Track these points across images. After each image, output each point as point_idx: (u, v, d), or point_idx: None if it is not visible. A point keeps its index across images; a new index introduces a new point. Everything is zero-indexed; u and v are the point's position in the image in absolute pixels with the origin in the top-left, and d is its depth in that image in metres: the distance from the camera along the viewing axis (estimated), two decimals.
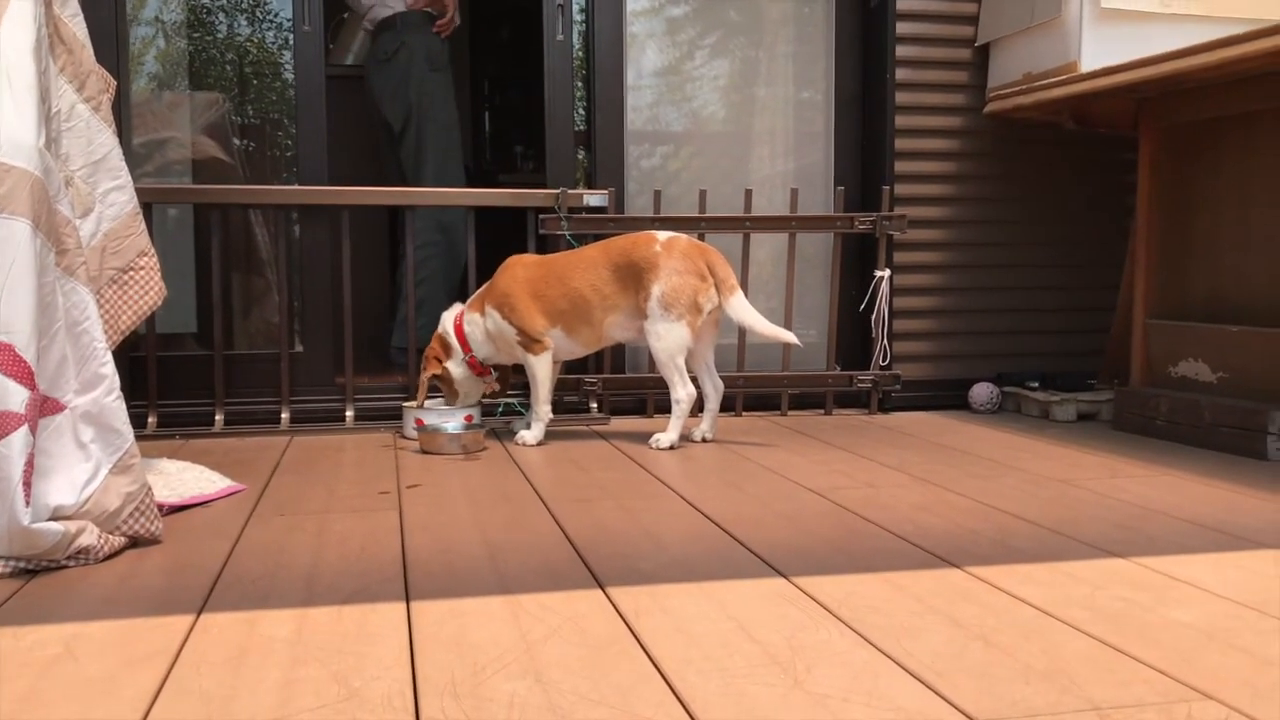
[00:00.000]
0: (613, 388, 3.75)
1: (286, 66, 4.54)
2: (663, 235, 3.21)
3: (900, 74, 3.86)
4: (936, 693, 1.33)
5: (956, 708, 1.29)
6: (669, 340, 3.13)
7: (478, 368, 3.36)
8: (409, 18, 4.38)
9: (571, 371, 3.68)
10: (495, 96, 7.95)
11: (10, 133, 1.90)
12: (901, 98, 3.86)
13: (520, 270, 3.30)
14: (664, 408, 3.70)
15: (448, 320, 3.38)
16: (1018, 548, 2.03)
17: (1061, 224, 4.03)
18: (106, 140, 2.36)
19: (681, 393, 3.16)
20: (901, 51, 3.86)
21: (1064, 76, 3.41)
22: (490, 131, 7.95)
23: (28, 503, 1.81)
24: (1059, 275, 4.03)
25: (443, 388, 3.42)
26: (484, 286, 3.37)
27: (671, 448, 3.13)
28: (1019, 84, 3.65)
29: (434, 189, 4.26)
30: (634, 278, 3.16)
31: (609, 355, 3.72)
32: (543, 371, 3.26)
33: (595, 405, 3.73)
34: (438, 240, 4.27)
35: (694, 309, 3.11)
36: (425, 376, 3.37)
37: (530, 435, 3.25)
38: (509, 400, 3.65)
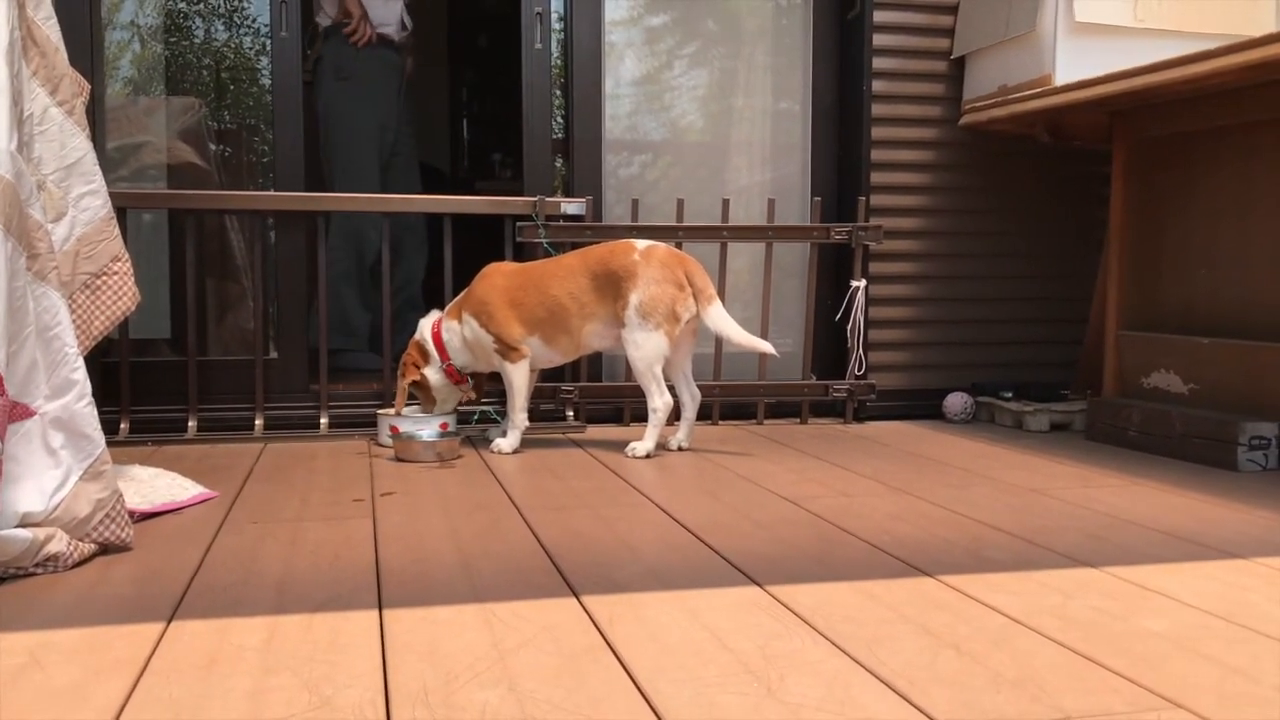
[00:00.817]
0: (589, 396, 3.74)
1: (263, 72, 4.53)
2: (641, 244, 3.21)
3: (877, 85, 3.88)
4: (909, 701, 1.34)
5: (929, 716, 1.29)
6: (646, 349, 3.12)
7: (455, 376, 3.36)
8: (328, 30, 4.52)
9: (548, 379, 3.67)
10: (473, 104, 7.94)
11: None
12: (878, 109, 3.89)
13: (498, 278, 3.29)
14: (641, 416, 3.71)
15: (426, 327, 3.37)
16: (990, 557, 2.04)
17: (1036, 236, 4.06)
18: (80, 144, 2.35)
19: (658, 401, 3.16)
20: (878, 63, 3.88)
21: (1038, 89, 3.44)
22: (468, 139, 7.94)
23: None
24: (1033, 286, 4.06)
25: (419, 395, 3.41)
26: (462, 294, 3.36)
27: (647, 456, 3.13)
28: (994, 96, 3.68)
29: (413, 195, 4.28)
30: (612, 286, 3.15)
31: (586, 363, 3.72)
32: (519, 380, 3.25)
33: (572, 413, 3.73)
34: (336, 244, 4.36)
35: (672, 318, 3.11)
36: (404, 383, 3.36)
37: (506, 443, 3.24)
38: (484, 408, 3.64)
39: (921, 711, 1.31)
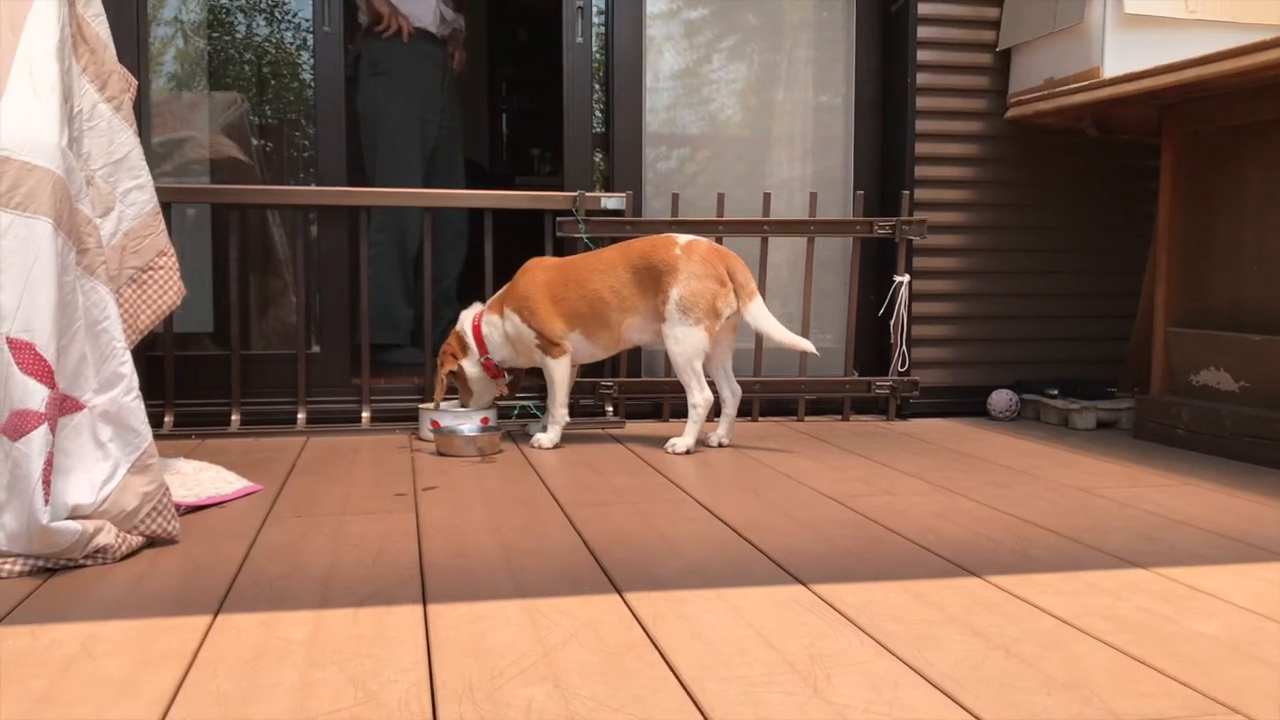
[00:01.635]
0: (628, 391, 3.74)
1: (305, 67, 4.56)
2: (683, 238, 3.20)
3: (921, 78, 3.84)
4: (957, 703, 1.32)
5: (977, 718, 1.28)
6: (687, 344, 3.12)
7: (492, 370, 3.36)
8: (363, 29, 4.57)
9: (587, 375, 3.67)
10: (512, 99, 7.96)
11: (33, 132, 1.90)
12: (922, 102, 3.85)
13: (540, 273, 3.29)
14: (680, 412, 3.69)
15: (466, 320, 3.38)
16: (1038, 557, 2.01)
17: (1082, 230, 4.00)
18: (127, 140, 2.37)
19: (698, 397, 3.15)
20: (922, 56, 3.84)
21: (1086, 82, 3.39)
22: (507, 134, 7.96)
23: (47, 501, 1.81)
24: (1079, 282, 4.01)
25: (457, 385, 3.42)
26: (503, 289, 3.37)
27: (688, 452, 3.12)
28: (1040, 89, 3.63)
29: (453, 190, 4.31)
30: (653, 280, 3.14)
31: (625, 358, 3.71)
32: (561, 375, 3.25)
33: (611, 409, 3.73)
34: (380, 240, 4.40)
35: (712, 314, 3.10)
36: (442, 373, 3.37)
37: (546, 438, 3.25)
38: (524, 403, 3.65)
39: (970, 713, 1.29)
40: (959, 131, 3.90)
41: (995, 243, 3.95)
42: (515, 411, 3.65)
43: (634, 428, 3.63)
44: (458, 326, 3.39)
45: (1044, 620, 1.64)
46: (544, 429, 3.32)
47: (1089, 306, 4.02)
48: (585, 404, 3.71)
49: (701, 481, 2.73)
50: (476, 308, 3.42)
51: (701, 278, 3.10)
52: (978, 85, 3.90)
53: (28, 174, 1.87)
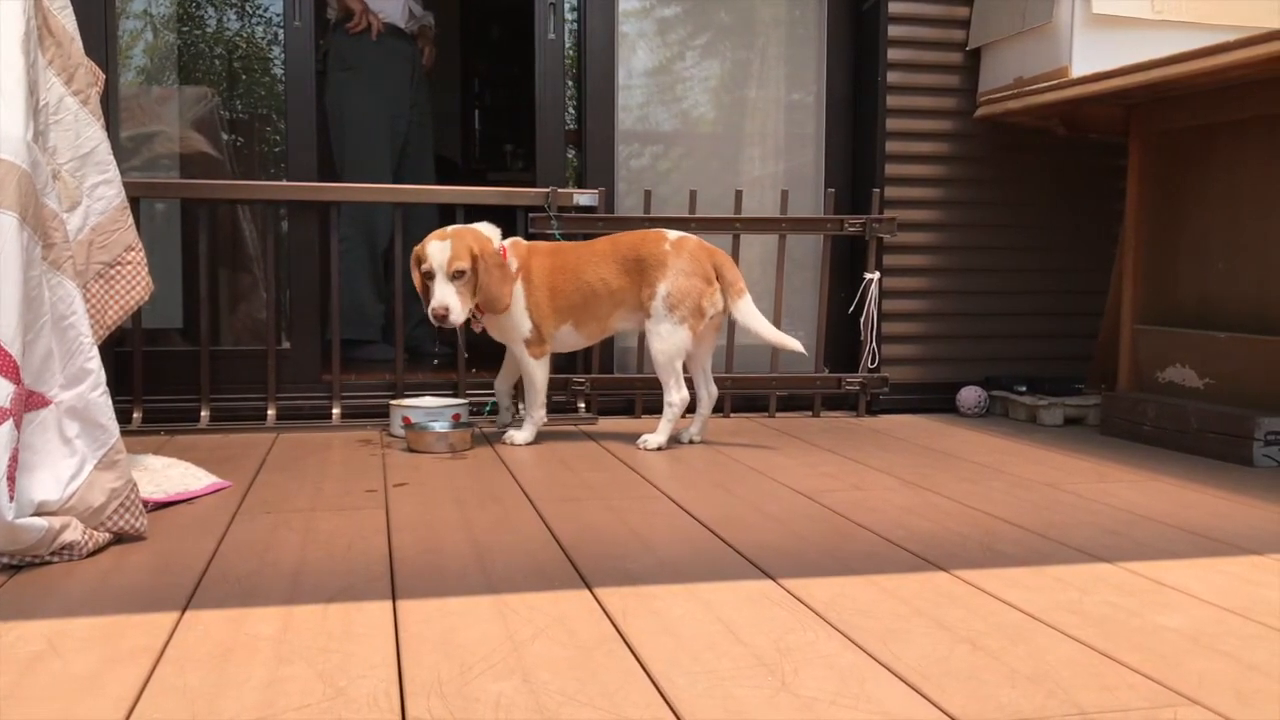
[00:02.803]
0: (601, 388, 3.74)
1: (275, 62, 4.53)
2: (672, 234, 3.20)
3: (892, 77, 3.86)
4: (924, 696, 1.33)
5: (943, 711, 1.29)
6: (670, 342, 3.12)
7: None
8: (333, 24, 4.55)
9: (560, 371, 3.67)
10: (485, 95, 7.94)
11: None
12: (893, 101, 3.87)
13: (542, 258, 3.23)
14: (653, 409, 3.70)
15: (496, 235, 3.18)
16: (1005, 552, 2.03)
17: (1051, 229, 4.04)
18: (95, 134, 2.34)
19: (675, 396, 3.15)
20: (893, 55, 3.86)
21: (1055, 81, 3.42)
22: (480, 130, 7.94)
23: (12, 498, 1.79)
24: (1048, 279, 4.04)
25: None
26: (521, 249, 3.23)
27: (659, 449, 3.12)
28: (1010, 88, 3.66)
29: (425, 186, 4.29)
30: (641, 274, 3.14)
31: (598, 355, 3.72)
32: (542, 376, 3.25)
33: (584, 405, 3.73)
34: (350, 235, 4.35)
35: (698, 313, 3.10)
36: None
37: (520, 435, 3.23)
38: (494, 399, 3.64)
39: (937, 706, 1.30)
40: (929, 130, 3.93)
41: (965, 240, 3.98)
42: (487, 408, 3.65)
43: (607, 424, 3.63)
44: (486, 232, 3.15)
45: (1010, 614, 1.66)
46: (519, 425, 3.30)
47: (1057, 304, 4.06)
48: (558, 400, 3.71)
49: (674, 477, 2.74)
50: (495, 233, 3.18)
51: (689, 275, 3.10)
52: (948, 84, 3.93)
53: None
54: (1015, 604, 1.70)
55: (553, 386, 3.63)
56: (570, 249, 3.30)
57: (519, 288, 3.16)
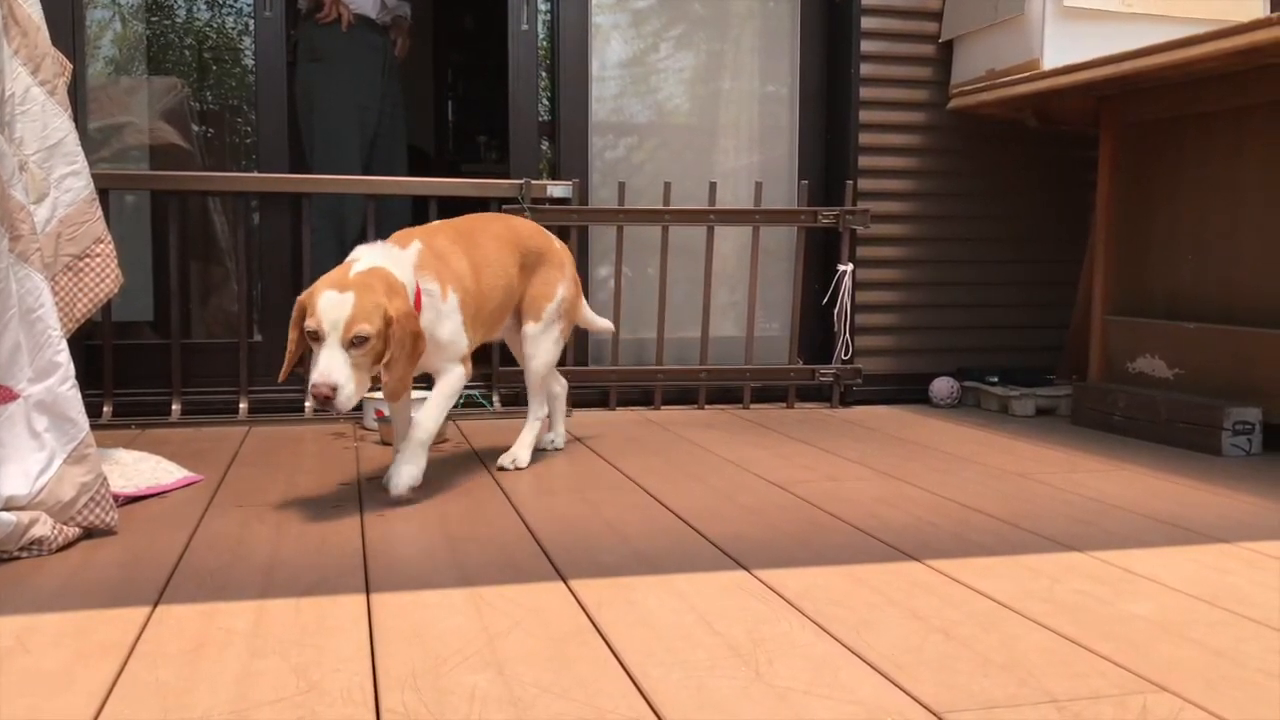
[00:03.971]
0: (576, 380, 3.73)
1: (246, 53, 4.50)
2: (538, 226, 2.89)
3: (865, 69, 3.87)
4: (897, 685, 1.34)
5: (916, 700, 1.30)
6: (555, 352, 2.84)
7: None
8: (303, 14, 4.46)
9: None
10: (459, 85, 7.90)
11: None
12: (866, 93, 3.88)
13: (454, 251, 2.52)
14: (628, 400, 3.72)
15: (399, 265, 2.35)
16: (977, 541, 2.04)
17: (1023, 220, 4.06)
18: (62, 125, 2.32)
19: (542, 412, 2.89)
20: (866, 46, 3.87)
21: (1026, 74, 3.43)
22: (453, 121, 7.90)
23: None
24: (1020, 271, 4.07)
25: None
26: (428, 256, 2.45)
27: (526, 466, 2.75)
28: (982, 80, 3.68)
29: (398, 178, 4.26)
30: (534, 271, 2.76)
31: (573, 347, 3.71)
32: (458, 388, 2.54)
33: None
34: (320, 227, 4.30)
35: (570, 318, 2.89)
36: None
37: (406, 478, 2.36)
38: (470, 392, 3.63)
39: (909, 695, 1.31)
40: (902, 122, 3.94)
41: (937, 232, 3.99)
42: (460, 401, 3.63)
43: (580, 416, 3.62)
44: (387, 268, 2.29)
45: (982, 603, 1.67)
46: (403, 462, 2.39)
47: (1029, 295, 4.08)
48: None
49: (646, 469, 2.74)
50: (396, 251, 2.38)
51: (575, 280, 2.89)
52: (920, 76, 3.94)
53: None
54: (987, 593, 1.71)
55: (520, 378, 3.62)
56: (472, 232, 2.62)
57: (453, 298, 2.43)
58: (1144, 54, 3.00)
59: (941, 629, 1.55)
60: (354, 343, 2.10)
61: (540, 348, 2.78)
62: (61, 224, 2.34)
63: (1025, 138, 3.96)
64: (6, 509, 1.85)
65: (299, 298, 2.20)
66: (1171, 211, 3.36)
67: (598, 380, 3.77)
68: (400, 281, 2.25)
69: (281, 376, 2.26)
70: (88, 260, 2.39)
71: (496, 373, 3.70)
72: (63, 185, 2.33)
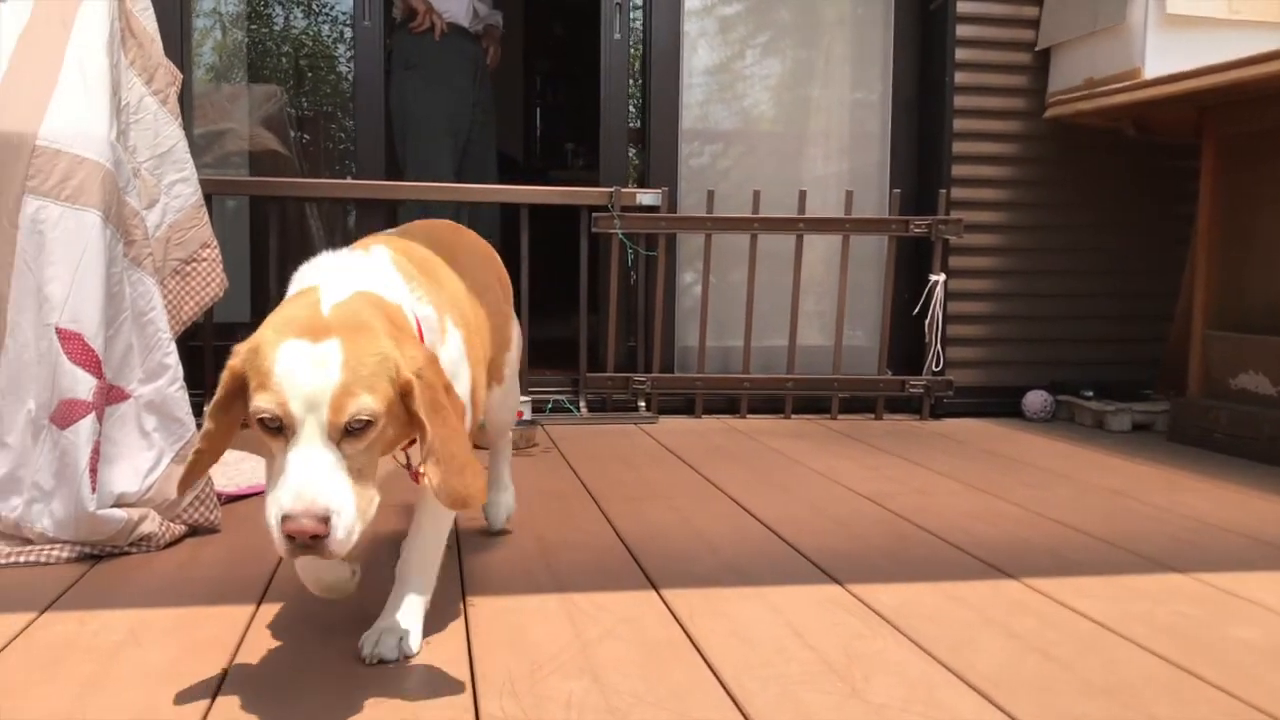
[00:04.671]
0: (662, 387, 3.74)
1: (342, 60, 4.59)
2: None
3: (959, 77, 3.82)
4: (995, 704, 1.32)
5: None
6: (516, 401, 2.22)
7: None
8: (397, 24, 4.51)
9: (621, 370, 3.68)
10: (546, 92, 7.98)
11: (84, 126, 1.93)
12: (960, 101, 3.83)
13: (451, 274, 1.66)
14: (714, 409, 3.70)
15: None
16: (1075, 560, 2.01)
17: (1120, 231, 3.97)
18: (173, 133, 2.39)
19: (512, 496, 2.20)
20: (961, 54, 3.82)
21: (1127, 83, 3.36)
22: (540, 127, 7.98)
23: (94, 489, 1.84)
24: (1116, 283, 3.98)
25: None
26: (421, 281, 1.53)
27: None
28: (1080, 89, 3.61)
29: (491, 185, 4.31)
30: (502, 303, 1.96)
31: (659, 352, 3.72)
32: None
33: (644, 404, 3.73)
34: None
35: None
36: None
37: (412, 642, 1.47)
38: (557, 396, 3.66)
39: (1009, 715, 1.29)
40: (997, 131, 3.88)
41: (1032, 242, 3.93)
42: (549, 406, 3.67)
43: (667, 423, 3.63)
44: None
45: (1082, 624, 1.64)
46: (399, 628, 1.49)
47: (1126, 307, 3.99)
48: (618, 399, 3.72)
49: (734, 478, 2.73)
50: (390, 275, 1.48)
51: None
52: (1016, 84, 3.88)
53: (78, 166, 1.90)
54: (1087, 613, 1.68)
55: (613, 385, 3.65)
56: (443, 241, 1.75)
57: (455, 335, 1.52)
58: (1249, 63, 2.92)
59: (1040, 649, 1.52)
60: (350, 430, 1.23)
61: (509, 398, 2.05)
62: (171, 229, 2.41)
63: (1123, 147, 3.87)
64: (117, 505, 1.91)
65: (233, 357, 1.31)
66: (1275, 224, 3.26)
67: (684, 388, 3.77)
68: (398, 307, 1.38)
69: (179, 489, 1.45)
70: (195, 265, 2.46)
71: (584, 377, 3.72)
72: (172, 191, 2.40)
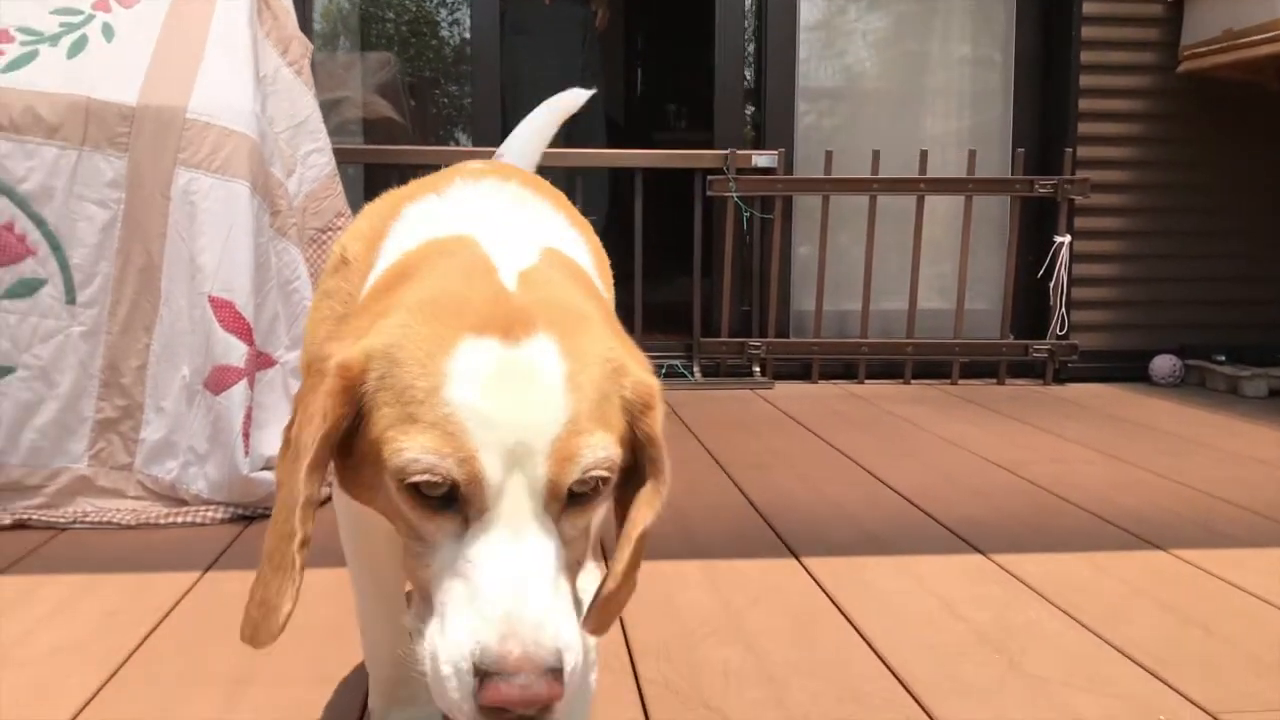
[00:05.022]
0: (776, 352, 3.71)
1: (445, 25, 4.61)
2: None
3: (1086, 31, 3.69)
4: (1162, 680, 1.30)
5: (1186, 698, 1.25)
6: None
7: None
8: None
9: (735, 335, 3.67)
10: (649, 53, 7.93)
11: (230, 99, 1.98)
12: (1086, 56, 3.70)
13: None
14: (830, 374, 3.67)
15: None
16: (1224, 531, 1.95)
17: (1254, 190, 3.81)
18: (308, 103, 2.43)
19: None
20: (1088, 8, 3.69)
21: (1271, 33, 3.21)
22: (642, 88, 7.94)
23: (247, 453, 1.90)
24: (1248, 243, 3.82)
25: None
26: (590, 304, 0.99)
27: None
28: (1218, 41, 3.46)
29: (605, 150, 4.32)
30: None
31: (774, 317, 3.68)
32: None
33: (759, 369, 3.71)
34: None
35: None
36: None
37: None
38: (672, 361, 3.66)
39: (1178, 692, 1.27)
40: (1126, 86, 3.74)
41: (1161, 202, 3.79)
42: (663, 371, 3.67)
43: (783, 388, 3.61)
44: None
45: (1240, 598, 1.59)
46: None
47: (1258, 269, 3.83)
48: (732, 364, 3.71)
49: (860, 445, 2.70)
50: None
51: None
52: (1146, 38, 3.73)
53: (226, 139, 1.94)
54: (1244, 587, 1.63)
55: (727, 350, 3.63)
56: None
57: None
58: None
59: (1201, 623, 1.49)
60: (575, 495, 0.80)
61: None
62: (307, 199, 2.45)
63: (1262, 103, 3.70)
64: (268, 468, 1.97)
65: (329, 359, 0.80)
66: None
67: (800, 353, 3.74)
68: (588, 275, 0.96)
69: (273, 631, 0.86)
70: (330, 234, 2.50)
71: (698, 342, 3.72)
72: (308, 161, 2.45)
